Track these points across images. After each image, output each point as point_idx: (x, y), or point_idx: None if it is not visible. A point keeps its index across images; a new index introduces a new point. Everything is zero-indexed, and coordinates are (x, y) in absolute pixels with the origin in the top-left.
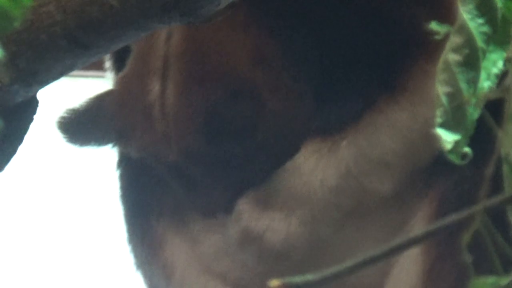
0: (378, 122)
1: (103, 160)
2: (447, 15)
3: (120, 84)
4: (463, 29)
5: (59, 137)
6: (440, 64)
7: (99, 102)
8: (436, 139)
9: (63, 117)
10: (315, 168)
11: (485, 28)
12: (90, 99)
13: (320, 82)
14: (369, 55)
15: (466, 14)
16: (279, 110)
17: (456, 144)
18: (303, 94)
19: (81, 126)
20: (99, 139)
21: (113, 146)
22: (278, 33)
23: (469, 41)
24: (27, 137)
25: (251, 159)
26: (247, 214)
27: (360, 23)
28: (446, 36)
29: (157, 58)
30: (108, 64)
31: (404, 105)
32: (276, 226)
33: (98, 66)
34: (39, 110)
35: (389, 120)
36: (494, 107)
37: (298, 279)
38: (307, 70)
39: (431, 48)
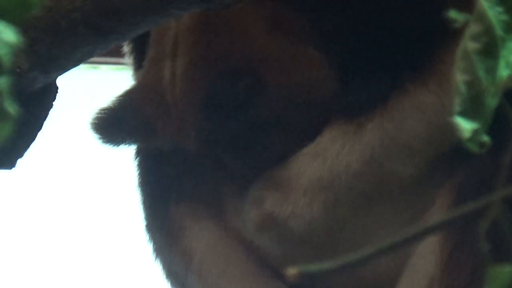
0: (405, 105)
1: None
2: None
3: (141, 75)
4: (482, 18)
5: (79, 123)
6: (459, 52)
7: (126, 99)
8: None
9: (96, 118)
10: (340, 152)
11: (504, 17)
12: (120, 96)
13: (345, 60)
14: (399, 35)
15: (486, 2)
16: (287, 84)
17: (475, 132)
18: (324, 70)
19: (113, 126)
20: (133, 137)
21: (143, 142)
22: (298, 5)
23: (488, 30)
24: (46, 124)
25: (266, 137)
26: (270, 199)
27: (391, 2)
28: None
29: (168, 40)
30: (126, 49)
31: (433, 89)
32: (299, 211)
33: (117, 53)
34: (58, 96)
35: (416, 103)
36: None
37: (314, 267)
38: (331, 46)
39: (461, 33)
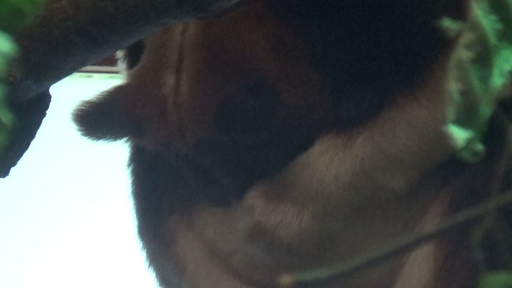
0: (396, 118)
1: (115, 156)
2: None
3: (135, 77)
4: (476, 26)
5: (73, 131)
6: (452, 61)
7: (114, 96)
8: (449, 137)
9: (78, 110)
10: (329, 163)
11: (498, 25)
12: (105, 92)
13: (338, 75)
14: (390, 50)
15: (479, 11)
16: (295, 102)
17: (469, 141)
18: (320, 87)
19: (97, 120)
20: (115, 133)
21: (128, 139)
22: (297, 25)
23: (482, 38)
24: (40, 132)
25: (265, 151)
26: (259, 208)
27: (381, 18)
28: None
29: (172, 51)
30: (119, 55)
31: (423, 103)
32: (288, 221)
33: (110, 62)
34: (51, 105)
35: (407, 117)
36: (506, 104)
37: (308, 275)
38: (326, 63)
39: (452, 46)
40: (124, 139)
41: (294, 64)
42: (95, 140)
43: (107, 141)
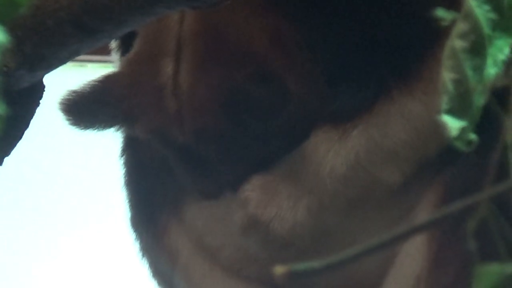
0: (391, 111)
1: (108, 147)
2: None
3: (129, 65)
4: (470, 16)
5: (63, 121)
6: (446, 51)
7: (104, 84)
8: (443, 126)
9: (66, 99)
10: (324, 156)
11: (491, 15)
12: (95, 81)
13: (333, 68)
14: (385, 43)
15: (473, 1)
16: (299, 92)
17: (462, 131)
18: (317, 79)
19: (85, 108)
20: (105, 122)
21: (120, 128)
22: (293, 16)
23: (475, 28)
24: (33, 122)
25: (269, 141)
26: (254, 201)
27: (376, 10)
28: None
29: (169, 39)
30: (113, 45)
31: (418, 95)
32: (283, 214)
33: (103, 52)
34: (45, 95)
35: (402, 110)
36: (500, 93)
37: (302, 266)
38: (322, 55)
39: (446, 37)
40: (114, 128)
41: (293, 55)
42: (83, 130)
43: (96, 130)
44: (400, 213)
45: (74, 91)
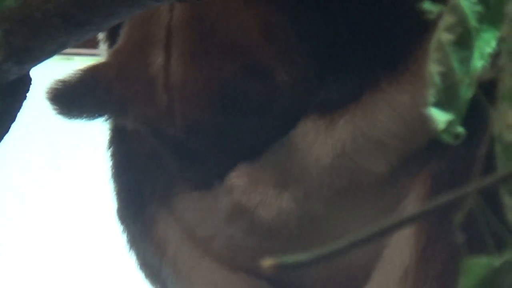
0: (378, 102)
1: (96, 138)
2: None
3: (115, 55)
4: (456, 9)
5: (53, 114)
6: (433, 43)
7: (92, 74)
8: (430, 119)
9: (53, 89)
10: (311, 145)
11: (478, 8)
12: (82, 70)
13: (322, 58)
14: (373, 34)
15: None
16: (290, 84)
17: (449, 123)
18: (307, 70)
19: (73, 98)
20: (92, 112)
21: (108, 119)
22: (284, 8)
23: (462, 21)
24: (20, 115)
25: (259, 133)
26: (240, 188)
27: (365, 2)
28: None
29: (159, 28)
30: (101, 37)
31: (405, 87)
32: (268, 201)
33: (91, 44)
34: (32, 88)
35: (389, 100)
36: (487, 86)
37: (290, 258)
38: (311, 46)
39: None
40: (102, 118)
41: (283, 46)
42: (70, 119)
43: (82, 120)
44: (387, 204)
45: (61, 80)
